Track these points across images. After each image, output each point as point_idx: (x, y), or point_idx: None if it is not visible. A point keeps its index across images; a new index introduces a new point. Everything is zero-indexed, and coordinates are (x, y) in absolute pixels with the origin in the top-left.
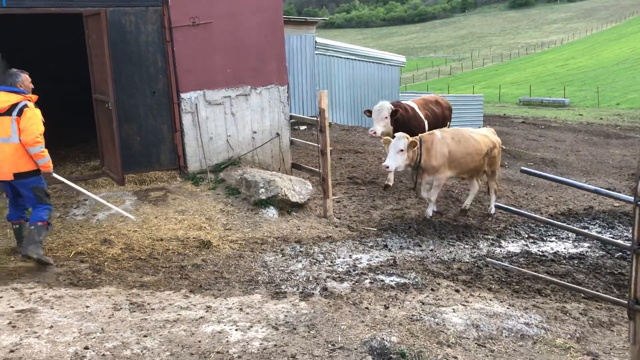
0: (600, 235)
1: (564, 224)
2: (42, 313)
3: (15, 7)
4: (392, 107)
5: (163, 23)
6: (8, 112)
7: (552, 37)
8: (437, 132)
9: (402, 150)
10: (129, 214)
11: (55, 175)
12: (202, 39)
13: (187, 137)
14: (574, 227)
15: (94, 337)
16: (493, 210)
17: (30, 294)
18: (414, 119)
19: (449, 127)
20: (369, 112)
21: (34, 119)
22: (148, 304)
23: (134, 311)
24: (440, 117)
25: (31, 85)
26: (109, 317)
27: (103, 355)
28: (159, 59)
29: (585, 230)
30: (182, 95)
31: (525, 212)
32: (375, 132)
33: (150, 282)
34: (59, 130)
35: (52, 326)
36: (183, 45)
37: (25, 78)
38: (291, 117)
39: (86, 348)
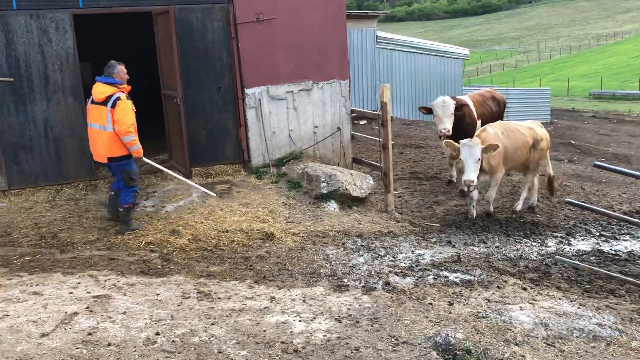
0: None
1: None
2: (116, 299)
3: (92, 7)
4: (455, 102)
5: (228, 20)
6: (104, 102)
7: (626, 26)
8: (489, 129)
9: (479, 159)
10: (210, 191)
11: (145, 159)
12: (265, 35)
13: (251, 132)
14: None
15: (164, 324)
16: (519, 207)
17: (105, 281)
18: (469, 116)
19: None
20: (425, 110)
21: (126, 111)
22: (215, 293)
23: (202, 300)
24: (496, 114)
25: (126, 76)
26: (178, 305)
27: (173, 341)
28: (225, 55)
29: None
30: (247, 90)
31: (598, 209)
32: (448, 130)
33: (217, 272)
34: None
35: (125, 312)
36: (247, 42)
37: (121, 69)
38: (352, 111)
39: (157, 334)
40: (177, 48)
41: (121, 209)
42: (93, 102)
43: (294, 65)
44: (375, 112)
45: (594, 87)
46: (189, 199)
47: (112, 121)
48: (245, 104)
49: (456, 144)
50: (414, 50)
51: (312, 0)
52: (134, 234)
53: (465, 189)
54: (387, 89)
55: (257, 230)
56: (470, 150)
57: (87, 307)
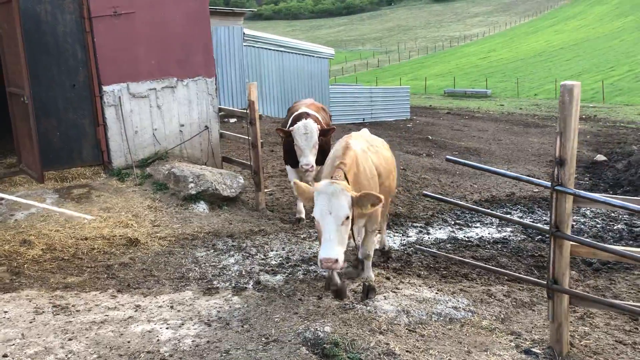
0: (521, 220)
1: (488, 210)
2: None
3: None
4: (318, 126)
5: (82, 13)
6: None
7: (474, 30)
8: (354, 145)
9: (347, 217)
10: (83, 214)
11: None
12: (124, 30)
13: (111, 132)
14: (497, 213)
15: (14, 344)
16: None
17: None
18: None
19: None
20: (284, 134)
21: None
22: (73, 305)
23: (58, 314)
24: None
25: None
26: (30, 322)
27: None
28: (79, 50)
29: (507, 216)
30: (105, 87)
31: (451, 200)
32: (312, 167)
33: (75, 283)
34: None
35: None
36: (104, 36)
37: None
38: (220, 109)
39: (5, 356)
40: (23, 42)
41: None
42: None
43: (156, 62)
44: (244, 111)
45: (448, 85)
46: (43, 205)
47: None
48: (103, 102)
49: (309, 190)
50: (282, 49)
51: None
52: None
53: (329, 273)
54: (254, 87)
55: (120, 236)
56: (332, 205)
57: None
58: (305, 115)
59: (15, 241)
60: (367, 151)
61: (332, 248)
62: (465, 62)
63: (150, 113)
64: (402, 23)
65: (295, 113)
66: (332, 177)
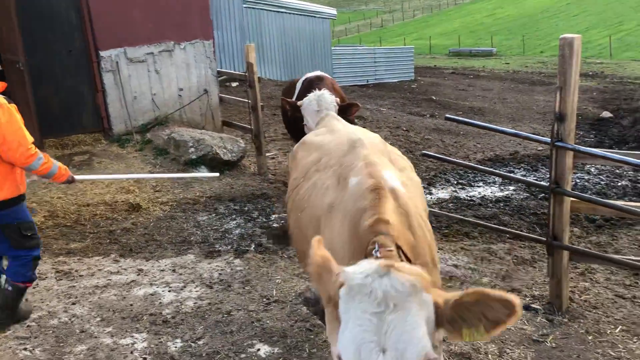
0: (522, 177)
1: (487, 168)
2: None
3: None
4: (337, 98)
5: None
6: None
7: None
8: (389, 179)
9: None
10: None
11: (78, 176)
12: None
13: (110, 97)
14: (496, 171)
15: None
16: None
17: None
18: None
19: None
20: (290, 107)
21: (14, 124)
22: (76, 271)
23: (61, 279)
24: None
25: None
26: (33, 288)
27: (28, 326)
28: (73, 15)
29: (507, 174)
30: (102, 53)
31: (453, 159)
32: None
33: (78, 249)
34: None
35: None
36: (99, 0)
37: None
38: (219, 73)
39: None
40: (15, 6)
41: (9, 288)
42: None
43: (152, 25)
44: (243, 74)
45: (453, 44)
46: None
47: None
48: (100, 67)
49: (334, 270)
50: (282, 10)
51: None
52: None
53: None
54: (252, 49)
55: (122, 201)
56: (393, 331)
57: None
58: (316, 81)
59: None
60: (406, 183)
61: None
62: (470, 20)
63: (148, 78)
64: None
65: (307, 76)
66: (368, 254)
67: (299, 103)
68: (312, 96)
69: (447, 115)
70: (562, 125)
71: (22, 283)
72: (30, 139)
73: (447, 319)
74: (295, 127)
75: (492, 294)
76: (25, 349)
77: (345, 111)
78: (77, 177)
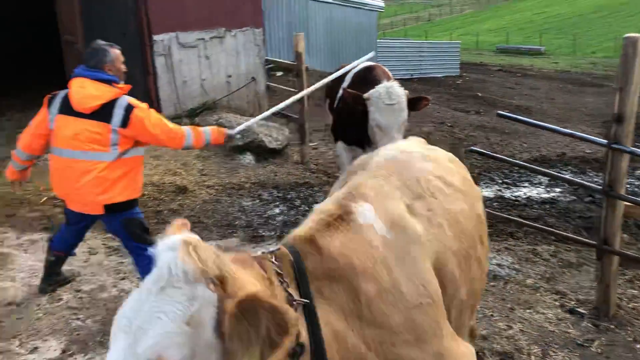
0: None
1: (536, 167)
2: (17, 257)
3: None
4: (407, 91)
5: None
6: (97, 114)
7: None
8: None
9: None
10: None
11: (232, 131)
12: None
13: (161, 81)
14: (546, 170)
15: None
16: None
17: (4, 239)
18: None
19: None
20: (352, 98)
21: (155, 119)
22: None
23: (110, 255)
24: None
25: (123, 67)
26: (85, 261)
27: (80, 297)
28: None
29: (561, 174)
30: (155, 37)
31: (500, 156)
32: None
33: None
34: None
35: (26, 270)
36: None
37: (116, 56)
38: (267, 61)
39: (63, 291)
40: None
41: None
42: (67, 113)
43: (205, 11)
44: (291, 63)
45: (501, 41)
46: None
47: (120, 143)
48: (153, 51)
49: None
50: (330, 0)
51: None
52: (35, 187)
53: None
54: (302, 38)
55: (169, 183)
56: None
57: None
58: (377, 70)
59: None
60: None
61: None
62: (519, 18)
63: (198, 63)
64: None
65: (361, 67)
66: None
67: (365, 96)
68: (381, 88)
69: (499, 112)
70: (619, 127)
71: None
72: (169, 123)
73: (228, 332)
74: (350, 122)
75: (266, 300)
76: (77, 319)
77: (415, 105)
78: (232, 132)
